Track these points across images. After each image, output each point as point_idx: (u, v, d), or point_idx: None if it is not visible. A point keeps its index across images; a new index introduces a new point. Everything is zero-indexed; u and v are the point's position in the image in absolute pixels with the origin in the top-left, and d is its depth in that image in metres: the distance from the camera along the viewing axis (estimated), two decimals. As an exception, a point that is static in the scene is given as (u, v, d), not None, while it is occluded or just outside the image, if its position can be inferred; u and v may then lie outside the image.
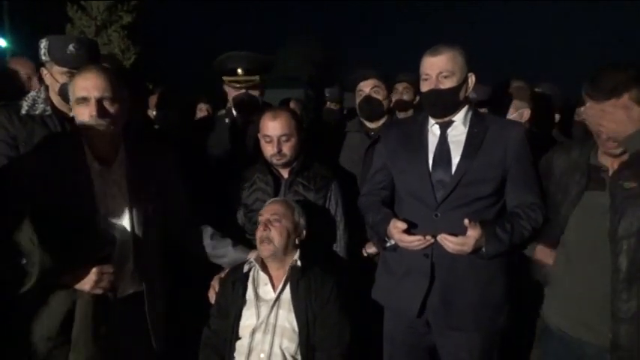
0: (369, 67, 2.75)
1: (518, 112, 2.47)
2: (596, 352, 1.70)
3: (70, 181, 1.67)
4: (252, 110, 2.54)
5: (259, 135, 2.24)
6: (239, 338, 1.94)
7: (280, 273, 1.98)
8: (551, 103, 3.02)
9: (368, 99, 2.66)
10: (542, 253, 1.91)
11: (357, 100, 2.73)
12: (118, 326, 1.74)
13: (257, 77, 2.51)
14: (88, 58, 2.02)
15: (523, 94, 2.52)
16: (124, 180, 1.79)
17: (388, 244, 1.95)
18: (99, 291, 1.67)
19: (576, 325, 1.75)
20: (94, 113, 1.66)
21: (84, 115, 1.68)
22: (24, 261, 1.52)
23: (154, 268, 1.89)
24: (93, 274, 1.64)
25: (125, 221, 1.77)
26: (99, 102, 1.67)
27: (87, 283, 1.64)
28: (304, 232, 2.05)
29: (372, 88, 2.65)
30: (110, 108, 1.70)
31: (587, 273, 1.73)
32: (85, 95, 1.67)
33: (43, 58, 2.03)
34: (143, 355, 1.87)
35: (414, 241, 1.82)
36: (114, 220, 1.75)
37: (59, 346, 1.65)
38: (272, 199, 2.10)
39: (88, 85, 1.67)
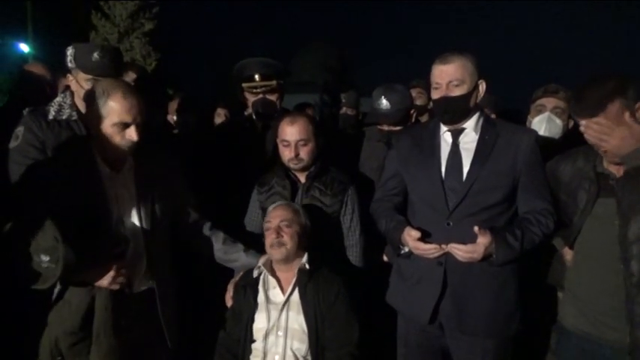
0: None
1: (563, 124, 2.39)
2: (614, 353, 1.70)
3: (82, 185, 1.74)
4: (270, 115, 2.58)
5: (277, 140, 2.27)
6: (253, 341, 1.97)
7: (289, 276, 2.00)
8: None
9: None
10: (569, 252, 1.90)
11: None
12: (135, 320, 1.82)
13: (274, 82, 2.56)
14: (111, 65, 2.09)
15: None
16: (132, 184, 1.85)
17: (403, 252, 1.97)
18: (116, 286, 1.73)
19: (593, 327, 1.75)
20: (136, 139, 1.74)
21: (119, 137, 1.74)
22: (47, 258, 1.59)
23: (165, 267, 1.96)
24: (111, 271, 1.70)
25: (135, 222, 1.84)
26: (138, 126, 1.74)
27: (105, 279, 1.71)
28: (310, 233, 2.08)
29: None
30: (142, 130, 1.77)
31: (602, 279, 1.73)
32: (128, 121, 1.72)
33: (70, 65, 2.10)
34: (158, 349, 1.93)
35: (430, 250, 1.83)
36: (125, 221, 1.82)
37: (81, 341, 1.73)
38: (276, 204, 2.11)
39: (134, 111, 1.73)
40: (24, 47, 15.87)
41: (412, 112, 2.69)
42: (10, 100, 3.31)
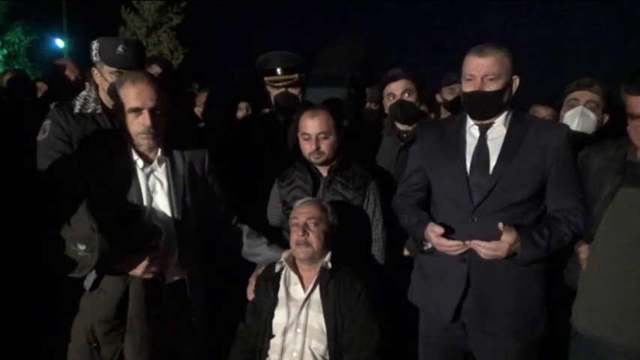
0: (399, 68, 2.53)
1: (597, 119, 2.29)
2: (627, 355, 1.65)
3: (117, 176, 1.79)
4: (292, 108, 2.57)
5: (298, 133, 2.26)
6: (272, 336, 1.97)
7: (311, 274, 1.98)
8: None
9: (401, 103, 2.49)
10: (584, 251, 1.85)
11: (388, 104, 2.56)
12: (166, 310, 1.86)
13: (295, 75, 2.55)
14: (134, 59, 2.11)
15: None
16: (164, 176, 1.89)
17: (425, 247, 1.93)
18: (149, 276, 1.77)
19: (607, 328, 1.70)
20: (149, 123, 1.76)
21: (135, 124, 1.78)
22: (83, 247, 1.63)
23: (195, 258, 1.99)
24: (144, 260, 1.74)
25: (167, 213, 1.87)
26: (151, 112, 1.76)
27: (139, 269, 1.75)
28: (336, 232, 2.05)
29: (403, 91, 2.50)
30: (160, 117, 1.80)
31: (621, 272, 1.67)
32: (138, 106, 1.76)
33: (95, 58, 2.13)
34: (188, 339, 1.96)
35: (453, 246, 1.78)
36: (158, 213, 1.86)
37: (115, 329, 1.77)
38: (304, 200, 2.09)
39: (143, 96, 1.76)
40: (59, 42, 16.39)
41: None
42: (48, 94, 3.41)
